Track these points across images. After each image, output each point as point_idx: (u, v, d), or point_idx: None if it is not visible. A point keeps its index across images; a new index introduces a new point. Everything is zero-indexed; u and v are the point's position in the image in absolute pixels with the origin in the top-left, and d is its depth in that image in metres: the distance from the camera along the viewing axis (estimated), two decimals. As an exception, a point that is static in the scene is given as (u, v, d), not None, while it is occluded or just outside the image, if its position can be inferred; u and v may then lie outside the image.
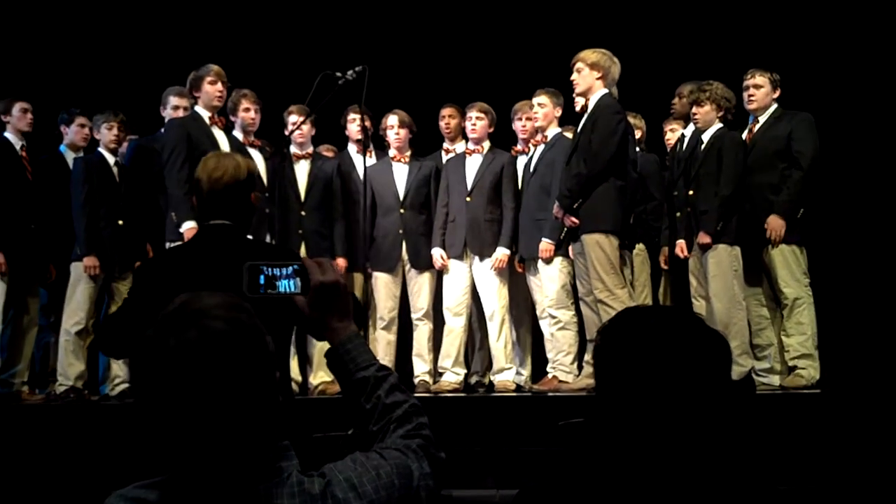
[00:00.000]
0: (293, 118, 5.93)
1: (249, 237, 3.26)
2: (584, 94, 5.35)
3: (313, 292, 1.62)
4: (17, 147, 5.86)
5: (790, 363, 5.31)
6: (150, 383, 1.37)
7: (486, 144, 6.03)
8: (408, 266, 6.01)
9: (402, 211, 6.01)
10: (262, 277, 1.60)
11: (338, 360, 1.65)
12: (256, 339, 1.41)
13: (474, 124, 5.98)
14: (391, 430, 1.59)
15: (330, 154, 6.37)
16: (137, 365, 1.39)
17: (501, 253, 5.81)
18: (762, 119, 5.50)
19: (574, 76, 5.33)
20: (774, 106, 5.49)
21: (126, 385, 5.71)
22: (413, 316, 6.01)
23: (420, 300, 5.98)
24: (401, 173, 6.07)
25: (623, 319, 1.53)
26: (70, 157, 6.08)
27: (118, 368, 5.71)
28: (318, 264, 1.64)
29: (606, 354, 1.50)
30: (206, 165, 3.05)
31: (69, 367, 5.60)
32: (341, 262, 5.82)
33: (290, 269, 1.61)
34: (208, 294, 1.43)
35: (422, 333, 5.98)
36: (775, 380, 5.35)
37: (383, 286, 5.96)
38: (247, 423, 1.38)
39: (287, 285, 1.61)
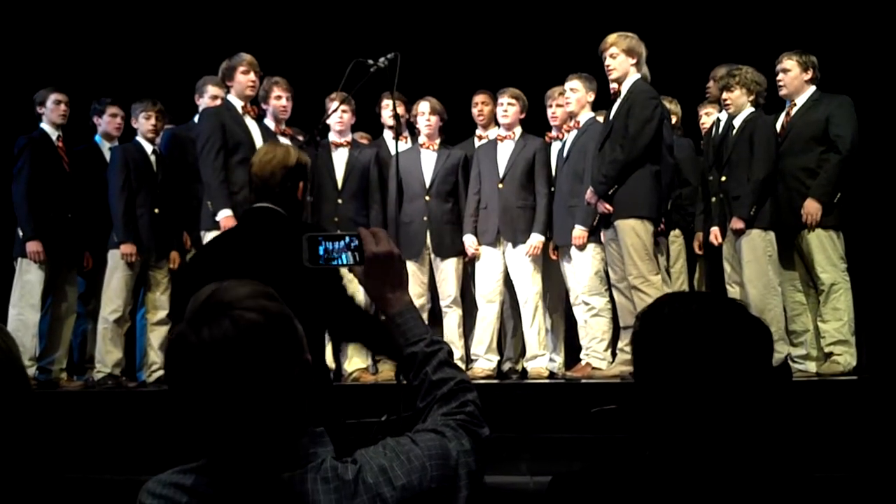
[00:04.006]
0: (335, 105, 5.81)
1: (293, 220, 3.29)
2: (619, 80, 5.30)
3: (368, 263, 1.64)
4: (54, 138, 5.91)
5: (826, 349, 5.23)
6: (183, 375, 1.38)
7: (518, 130, 5.99)
8: (433, 254, 6.00)
9: (427, 198, 5.99)
10: (321, 249, 1.65)
11: (391, 333, 1.67)
12: (287, 327, 1.43)
13: (506, 110, 5.95)
14: (434, 408, 1.60)
15: (365, 141, 6.36)
16: (170, 357, 1.41)
17: (536, 240, 5.78)
18: (799, 102, 5.40)
19: (609, 62, 5.28)
20: (812, 89, 5.39)
21: (163, 372, 5.76)
22: (441, 303, 5.99)
23: (447, 287, 5.96)
24: (428, 161, 6.05)
25: (664, 305, 1.52)
26: (105, 146, 6.14)
27: (155, 355, 5.77)
28: (374, 234, 1.66)
29: (646, 340, 1.49)
30: (259, 152, 3.25)
31: (107, 355, 5.68)
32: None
33: (347, 240, 1.65)
34: (237, 284, 1.44)
35: (451, 320, 5.96)
36: (811, 366, 5.29)
37: (410, 274, 5.91)
38: (279, 409, 1.39)
39: (344, 256, 1.65)
